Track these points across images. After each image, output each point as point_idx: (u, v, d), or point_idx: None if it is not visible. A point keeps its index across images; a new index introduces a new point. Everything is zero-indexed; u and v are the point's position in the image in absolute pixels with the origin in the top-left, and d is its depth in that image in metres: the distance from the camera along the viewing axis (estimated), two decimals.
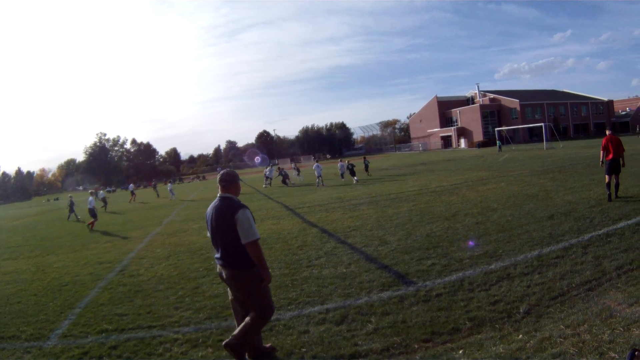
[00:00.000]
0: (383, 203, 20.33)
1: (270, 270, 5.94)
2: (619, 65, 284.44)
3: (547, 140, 61.61)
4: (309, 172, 55.34)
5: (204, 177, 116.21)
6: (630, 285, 6.79)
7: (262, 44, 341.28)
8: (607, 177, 14.76)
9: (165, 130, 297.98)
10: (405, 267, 9.41)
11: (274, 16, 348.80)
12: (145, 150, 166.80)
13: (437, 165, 46.85)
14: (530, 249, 9.68)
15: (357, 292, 8.22)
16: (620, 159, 14.72)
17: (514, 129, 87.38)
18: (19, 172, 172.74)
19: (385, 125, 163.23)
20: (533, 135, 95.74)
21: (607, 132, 15.39)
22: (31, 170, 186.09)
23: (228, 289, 6.18)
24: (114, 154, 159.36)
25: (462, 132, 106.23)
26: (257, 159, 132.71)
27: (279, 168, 47.26)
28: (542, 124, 67.20)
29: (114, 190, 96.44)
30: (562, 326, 5.63)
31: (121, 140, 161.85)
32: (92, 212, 25.82)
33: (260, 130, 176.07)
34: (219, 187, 6.00)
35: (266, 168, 49.45)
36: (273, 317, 6.47)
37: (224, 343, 5.77)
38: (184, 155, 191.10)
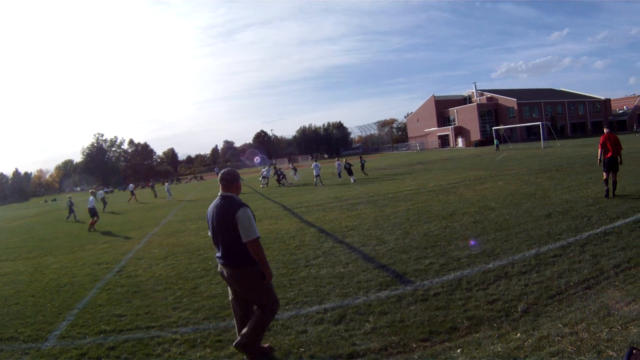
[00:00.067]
0: (381, 202, 20.35)
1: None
2: (616, 64, 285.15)
3: (544, 139, 61.58)
4: (307, 171, 55.42)
5: (201, 178, 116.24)
6: (628, 284, 6.80)
7: (259, 44, 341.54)
8: (605, 174, 14.81)
9: (162, 131, 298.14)
10: (403, 267, 9.42)
11: (271, 16, 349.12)
12: (143, 151, 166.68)
13: (434, 164, 46.87)
14: (528, 247, 9.69)
15: (355, 291, 8.22)
16: (618, 156, 14.76)
17: (511, 128, 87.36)
18: (16, 173, 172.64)
19: (383, 124, 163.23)
20: (530, 134, 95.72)
21: (605, 131, 15.43)
22: (29, 171, 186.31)
23: (228, 288, 6.20)
24: (111, 154, 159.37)
25: (460, 131, 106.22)
26: (257, 159, 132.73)
27: (274, 168, 47.23)
28: (540, 122, 67.01)
29: (111, 191, 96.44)
30: (560, 325, 5.63)
31: (118, 141, 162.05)
32: (93, 212, 25.89)
33: (258, 130, 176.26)
34: (220, 186, 6.02)
35: (263, 168, 49.46)
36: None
37: (234, 343, 5.87)
38: (181, 156, 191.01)
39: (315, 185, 36.81)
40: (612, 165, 14.65)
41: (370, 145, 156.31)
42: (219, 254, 5.95)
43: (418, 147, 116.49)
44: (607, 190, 14.51)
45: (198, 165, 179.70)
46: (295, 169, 50.47)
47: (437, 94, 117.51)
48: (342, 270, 9.74)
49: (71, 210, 33.48)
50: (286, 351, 6.12)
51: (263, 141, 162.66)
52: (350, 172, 36.92)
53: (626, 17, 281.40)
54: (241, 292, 5.94)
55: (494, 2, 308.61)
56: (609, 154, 14.75)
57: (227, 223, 5.70)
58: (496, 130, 74.91)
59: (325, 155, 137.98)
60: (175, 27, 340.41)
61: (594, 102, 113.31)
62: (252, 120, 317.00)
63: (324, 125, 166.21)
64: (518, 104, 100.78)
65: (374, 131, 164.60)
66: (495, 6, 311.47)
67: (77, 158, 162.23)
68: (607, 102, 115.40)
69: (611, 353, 4.64)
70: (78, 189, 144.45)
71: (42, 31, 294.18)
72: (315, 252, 11.85)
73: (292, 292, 8.53)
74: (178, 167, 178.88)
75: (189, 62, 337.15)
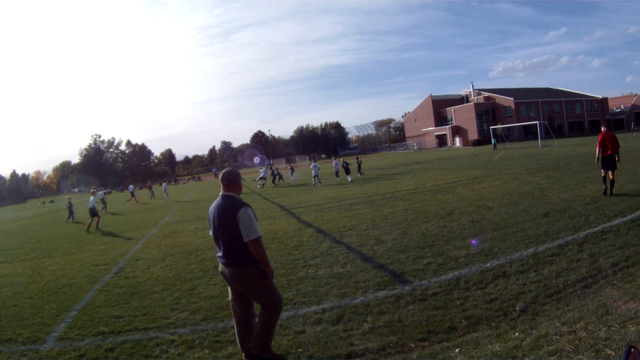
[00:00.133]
0: (378, 202, 20.36)
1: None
2: (613, 63, 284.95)
3: (541, 138, 61.64)
4: (304, 172, 55.46)
5: (199, 178, 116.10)
6: (626, 282, 6.81)
7: (256, 44, 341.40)
8: (603, 171, 14.85)
9: (160, 132, 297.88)
10: (401, 266, 9.42)
11: (268, 16, 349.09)
12: (140, 152, 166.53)
13: (432, 164, 46.88)
14: (525, 247, 9.71)
15: (353, 291, 8.22)
16: (616, 154, 14.80)
17: (508, 127, 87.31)
18: (14, 174, 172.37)
19: (380, 124, 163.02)
20: (528, 133, 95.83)
21: (603, 129, 15.48)
22: (26, 173, 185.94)
23: (228, 288, 6.18)
24: (108, 155, 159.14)
25: (457, 131, 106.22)
26: (256, 159, 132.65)
27: (270, 168, 47.26)
28: (537, 122, 67.06)
29: (109, 192, 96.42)
30: (558, 324, 5.64)
31: (116, 142, 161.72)
32: (93, 211, 25.88)
33: (255, 130, 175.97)
34: (221, 185, 6.03)
35: (261, 169, 49.43)
36: None
37: (244, 355, 5.92)
38: (179, 156, 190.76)
39: (314, 185, 36.93)
40: (610, 163, 14.70)
41: (368, 145, 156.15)
42: (220, 254, 5.95)
43: (415, 147, 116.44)
44: (606, 189, 14.56)
45: (196, 165, 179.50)
46: (292, 169, 50.55)
47: (434, 94, 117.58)
48: (340, 270, 9.75)
49: (71, 211, 33.53)
50: (284, 351, 6.12)
51: (261, 141, 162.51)
52: (347, 172, 37.26)
53: (623, 16, 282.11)
54: (243, 291, 5.94)
55: (491, 1, 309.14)
56: (608, 152, 14.80)
57: (229, 223, 5.71)
58: (493, 130, 74.96)
59: (323, 156, 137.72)
60: (172, 27, 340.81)
61: (591, 101, 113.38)
62: (249, 120, 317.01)
63: (321, 125, 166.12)
64: (515, 103, 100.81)
65: (372, 131, 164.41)
66: (492, 5, 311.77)
67: (75, 159, 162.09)
68: (604, 101, 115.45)
69: (609, 352, 4.65)
70: (76, 190, 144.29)
71: (40, 32, 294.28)
72: (313, 252, 11.86)
73: (290, 293, 8.53)
74: (176, 167, 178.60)
75: (186, 62, 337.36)
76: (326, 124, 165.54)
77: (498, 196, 17.38)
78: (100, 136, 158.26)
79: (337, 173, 39.47)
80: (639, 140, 48.05)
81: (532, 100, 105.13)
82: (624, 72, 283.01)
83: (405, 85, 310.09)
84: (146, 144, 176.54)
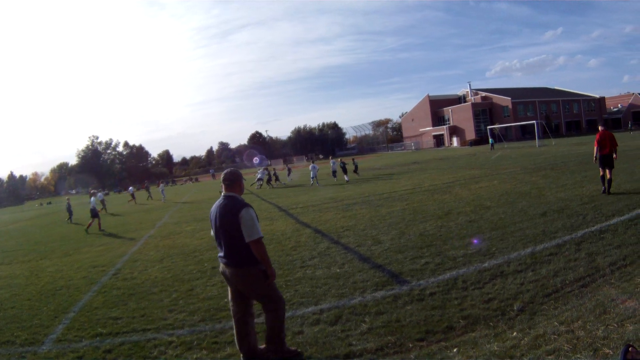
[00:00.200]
0: (376, 202, 20.37)
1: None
2: (610, 62, 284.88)
3: (539, 138, 61.60)
4: (302, 172, 55.45)
5: (196, 179, 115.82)
6: (624, 281, 6.82)
7: (254, 44, 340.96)
8: (601, 170, 14.89)
9: (157, 133, 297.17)
10: (398, 267, 9.43)
11: (265, 16, 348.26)
12: (138, 153, 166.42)
13: (429, 164, 46.88)
14: (523, 246, 9.72)
15: (350, 292, 8.23)
16: (613, 153, 14.85)
17: (506, 127, 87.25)
18: (11, 176, 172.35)
19: (378, 124, 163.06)
20: (525, 133, 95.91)
21: (600, 128, 15.53)
22: (24, 175, 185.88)
23: (228, 288, 6.19)
24: (106, 157, 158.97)
25: (454, 131, 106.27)
26: (256, 160, 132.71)
27: (266, 169, 47.32)
28: (534, 121, 67.12)
29: (107, 194, 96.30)
30: (556, 323, 5.64)
31: (113, 143, 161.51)
32: (94, 212, 25.94)
33: (253, 131, 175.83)
34: (223, 186, 6.06)
35: (258, 170, 49.42)
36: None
37: (243, 356, 6.01)
38: (176, 157, 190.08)
39: (312, 185, 37.13)
40: (607, 161, 14.74)
41: (366, 145, 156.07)
42: (221, 254, 5.97)
43: (413, 147, 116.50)
44: (605, 188, 14.59)
45: (193, 166, 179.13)
46: (289, 170, 50.64)
47: (431, 94, 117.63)
48: (338, 270, 9.75)
49: (70, 212, 33.61)
50: (264, 353, 6.11)
51: (258, 142, 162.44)
52: (345, 171, 37.50)
53: (620, 15, 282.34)
54: (244, 291, 5.95)
55: (489, 1, 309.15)
56: (606, 151, 14.85)
57: (230, 223, 5.73)
58: (491, 129, 74.85)
59: (321, 156, 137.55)
60: (169, 28, 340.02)
61: (588, 100, 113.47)
62: (247, 121, 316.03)
63: (318, 125, 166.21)
64: (513, 103, 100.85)
65: (369, 131, 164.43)
66: (489, 5, 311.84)
67: (72, 161, 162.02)
68: (601, 100, 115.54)
69: (607, 351, 4.65)
70: (73, 191, 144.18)
71: (37, 34, 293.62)
72: (311, 252, 11.86)
73: (288, 293, 8.52)
74: (173, 168, 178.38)
75: (183, 63, 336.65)
76: (323, 124, 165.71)
77: (495, 196, 17.39)
78: (97, 137, 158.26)
79: (334, 173, 39.55)
80: (636, 139, 48.12)
81: (529, 99, 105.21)
82: (621, 71, 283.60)
83: (402, 86, 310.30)
84: (144, 145, 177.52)
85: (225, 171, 6.20)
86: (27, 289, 11.97)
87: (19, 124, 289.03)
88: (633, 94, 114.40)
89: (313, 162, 41.11)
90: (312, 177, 38.04)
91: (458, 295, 7.32)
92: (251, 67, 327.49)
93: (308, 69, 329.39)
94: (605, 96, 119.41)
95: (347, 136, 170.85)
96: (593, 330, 5.19)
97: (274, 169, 49.38)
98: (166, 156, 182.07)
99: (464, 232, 11.84)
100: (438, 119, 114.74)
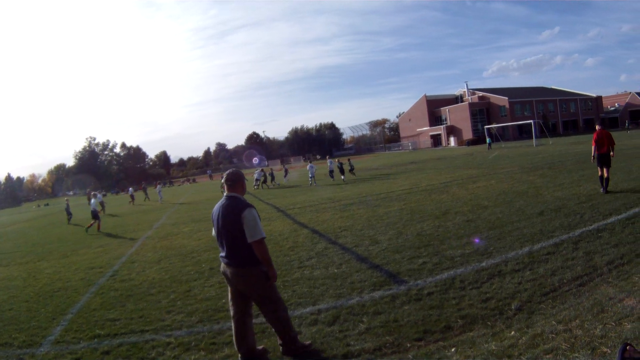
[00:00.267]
0: (373, 203, 20.37)
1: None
2: (607, 61, 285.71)
3: (536, 137, 61.64)
4: (300, 172, 55.46)
5: (194, 180, 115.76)
6: (622, 280, 6.83)
7: (251, 45, 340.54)
8: (599, 170, 14.94)
9: (154, 134, 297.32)
10: (396, 266, 9.43)
11: (262, 17, 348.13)
12: (135, 154, 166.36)
13: (427, 164, 46.86)
14: (521, 245, 9.72)
15: (348, 292, 8.23)
16: (611, 151, 14.90)
17: (503, 127, 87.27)
18: (8, 178, 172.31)
19: (375, 124, 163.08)
20: (522, 133, 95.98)
21: (597, 127, 15.57)
22: (21, 176, 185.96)
23: (228, 288, 6.20)
24: (103, 158, 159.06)
25: (452, 131, 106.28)
26: (256, 160, 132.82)
27: (262, 170, 47.36)
28: (531, 121, 67.01)
29: (104, 195, 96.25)
30: (554, 322, 5.65)
31: (111, 144, 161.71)
32: (94, 214, 26.00)
33: (250, 131, 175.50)
34: (225, 186, 6.08)
35: (256, 171, 49.47)
36: (264, 319, 6.46)
37: (241, 356, 6.06)
38: (173, 158, 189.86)
39: (310, 185, 37.30)
40: (605, 160, 14.77)
41: (363, 145, 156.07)
42: (223, 254, 5.99)
43: (410, 147, 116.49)
44: (603, 188, 14.64)
45: (191, 167, 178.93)
46: (286, 171, 50.73)
47: (428, 94, 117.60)
48: (336, 271, 9.75)
49: (69, 213, 33.67)
50: (281, 353, 6.12)
51: (255, 143, 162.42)
52: (342, 172, 37.73)
53: (617, 15, 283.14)
54: (244, 291, 5.96)
55: (486, 1, 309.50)
56: (604, 150, 14.89)
57: (233, 223, 5.75)
58: (488, 129, 74.91)
59: (318, 157, 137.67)
60: (166, 29, 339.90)
61: (585, 99, 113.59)
62: (244, 121, 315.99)
63: (316, 126, 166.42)
64: (510, 103, 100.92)
65: (366, 131, 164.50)
66: (486, 5, 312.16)
67: (70, 162, 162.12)
68: (598, 99, 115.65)
69: (605, 349, 4.65)
70: (71, 193, 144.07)
71: (34, 35, 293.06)
72: (309, 253, 11.86)
73: (286, 294, 8.51)
74: (170, 169, 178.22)
75: (180, 64, 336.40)
76: (321, 124, 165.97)
77: (493, 195, 17.40)
78: (95, 139, 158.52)
79: (331, 173, 39.63)
80: (633, 138, 48.20)
81: (526, 99, 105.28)
82: (618, 70, 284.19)
83: (399, 86, 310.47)
84: (141, 146, 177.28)
85: (227, 172, 6.23)
86: (24, 291, 11.96)
87: (16, 126, 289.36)
88: (630, 93, 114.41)
89: (310, 162, 41.25)
90: (311, 177, 38.26)
91: (456, 294, 7.33)
92: (248, 67, 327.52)
93: (305, 69, 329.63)
94: (603, 95, 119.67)
95: (344, 136, 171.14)
96: (591, 329, 5.20)
97: (271, 169, 49.50)
98: (163, 157, 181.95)
99: (461, 232, 11.85)
100: (435, 119, 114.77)
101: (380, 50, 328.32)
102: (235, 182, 6.07)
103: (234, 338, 6.05)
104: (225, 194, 6.08)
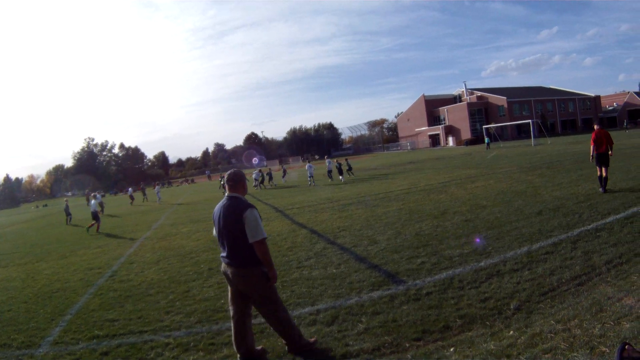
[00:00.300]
0: (372, 203, 20.36)
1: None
2: (605, 61, 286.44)
3: (534, 137, 61.77)
4: (299, 172, 55.47)
5: (192, 181, 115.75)
6: (620, 279, 6.83)
7: (249, 45, 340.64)
8: (598, 169, 14.96)
9: (153, 134, 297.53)
10: (395, 266, 9.43)
11: (260, 17, 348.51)
12: (134, 155, 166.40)
13: (425, 163, 46.86)
14: (519, 245, 9.73)
15: (347, 292, 8.23)
16: (609, 150, 14.93)
17: (501, 126, 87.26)
18: (7, 179, 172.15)
19: (373, 124, 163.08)
20: (521, 132, 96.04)
21: (596, 127, 15.60)
22: (19, 177, 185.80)
23: (228, 288, 6.20)
24: (102, 159, 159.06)
25: (450, 130, 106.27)
26: (255, 160, 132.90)
27: (260, 170, 47.37)
28: (530, 120, 67.19)
29: (103, 195, 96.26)
30: (552, 321, 5.64)
31: (109, 145, 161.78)
32: (95, 215, 26.06)
33: (249, 132, 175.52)
34: (227, 186, 6.10)
35: (254, 171, 49.49)
36: (263, 320, 6.47)
37: (239, 357, 6.06)
38: (172, 159, 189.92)
39: (309, 185, 37.35)
40: (604, 160, 14.80)
41: (361, 145, 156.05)
42: (224, 254, 5.99)
43: (409, 147, 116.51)
44: (602, 187, 14.66)
45: (189, 168, 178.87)
46: (285, 171, 50.80)
47: (427, 94, 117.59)
48: (334, 271, 9.75)
49: (68, 214, 33.70)
50: (280, 353, 6.12)
51: (254, 143, 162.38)
52: (340, 172, 37.82)
53: (615, 14, 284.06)
54: (245, 292, 5.96)
55: (484, 1, 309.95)
56: (603, 149, 14.93)
57: (234, 223, 5.76)
58: (486, 129, 74.95)
59: (316, 157, 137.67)
60: (164, 30, 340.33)
61: (583, 99, 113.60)
62: (242, 122, 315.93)
63: (314, 126, 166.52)
64: (508, 102, 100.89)
65: (365, 131, 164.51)
66: (484, 5, 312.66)
67: (68, 163, 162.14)
68: (597, 99, 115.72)
69: (604, 349, 4.65)
70: (69, 194, 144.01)
71: (32, 36, 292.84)
72: (307, 253, 11.86)
73: (285, 294, 8.50)
74: (169, 170, 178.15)
75: (179, 64, 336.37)
76: (319, 125, 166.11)
77: (491, 195, 17.40)
78: (93, 139, 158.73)
79: (329, 173, 39.71)
80: (632, 137, 48.21)
81: (524, 99, 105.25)
82: (616, 70, 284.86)
83: (398, 86, 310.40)
84: (139, 146, 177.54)
85: (229, 172, 6.24)
86: (23, 292, 11.95)
87: (15, 127, 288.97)
88: (628, 92, 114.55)
89: (309, 162, 41.40)
90: (310, 177, 38.40)
91: (454, 294, 7.33)
92: (247, 68, 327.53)
93: (304, 70, 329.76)
94: (601, 95, 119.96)
95: (342, 136, 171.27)
96: (589, 329, 5.19)
97: (269, 169, 49.56)
98: (162, 157, 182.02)
99: (460, 232, 11.84)
100: (434, 119, 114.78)
101: (379, 50, 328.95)
102: (237, 183, 6.09)
103: (233, 338, 6.05)
104: (226, 194, 6.10)
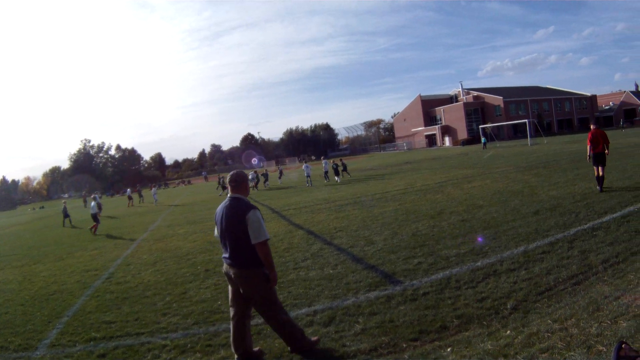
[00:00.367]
0: (368, 203, 20.37)
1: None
2: (602, 60, 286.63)
3: (531, 137, 61.74)
4: (298, 173, 55.52)
5: (189, 182, 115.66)
6: (617, 278, 6.84)
7: (245, 46, 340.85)
8: (595, 169, 14.99)
9: (149, 136, 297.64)
10: (391, 267, 9.43)
11: (256, 18, 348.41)
12: (130, 156, 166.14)
13: (422, 164, 46.89)
14: (516, 245, 9.74)
15: (344, 293, 8.23)
16: (606, 150, 14.97)
17: (498, 126, 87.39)
18: (3, 180, 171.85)
19: (370, 125, 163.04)
20: (517, 132, 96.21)
21: (592, 127, 15.64)
22: (16, 179, 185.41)
23: (229, 288, 6.20)
24: (98, 160, 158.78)
25: (446, 130, 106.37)
26: (255, 160, 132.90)
27: (255, 172, 47.37)
28: (526, 120, 67.37)
29: (100, 197, 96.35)
30: (549, 321, 5.64)
31: (106, 147, 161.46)
32: (95, 217, 26.11)
33: (245, 132, 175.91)
34: (229, 187, 6.11)
35: (250, 172, 49.54)
36: (260, 321, 6.47)
37: (237, 358, 6.06)
38: (168, 160, 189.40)
39: (307, 185, 37.58)
40: (600, 159, 14.84)
41: (358, 146, 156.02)
42: (226, 255, 6.01)
43: (405, 147, 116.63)
44: (600, 187, 14.70)
45: (186, 169, 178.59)
46: (281, 172, 50.84)
47: (423, 94, 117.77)
48: (331, 271, 9.75)
49: (66, 216, 33.67)
50: (277, 354, 6.12)
51: (250, 144, 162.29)
52: (337, 173, 37.90)
53: (611, 14, 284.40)
54: (245, 292, 5.96)
55: (480, 1, 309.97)
56: (599, 149, 14.97)
57: (237, 224, 5.78)
58: (483, 129, 75.00)
59: (313, 157, 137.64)
60: (160, 31, 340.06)
61: (580, 98, 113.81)
62: (239, 123, 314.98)
63: (311, 126, 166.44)
64: (504, 102, 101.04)
65: (361, 132, 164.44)
66: (480, 5, 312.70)
67: (65, 164, 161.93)
68: (593, 98, 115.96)
69: (601, 348, 4.65)
70: (66, 195, 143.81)
71: (27, 37, 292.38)
72: (304, 254, 11.86)
73: (281, 295, 8.48)
74: (166, 171, 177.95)
75: (175, 66, 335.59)
76: (315, 125, 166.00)
77: (488, 195, 17.42)
78: (89, 141, 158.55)
79: (326, 174, 39.78)
80: (628, 137, 48.29)
81: (521, 98, 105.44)
82: (612, 69, 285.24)
83: (394, 86, 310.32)
84: (136, 148, 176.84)
85: (231, 173, 6.26)
86: (20, 294, 11.93)
87: (11, 129, 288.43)
88: (625, 91, 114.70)
89: (306, 163, 41.53)
90: (307, 176, 38.60)
91: (451, 294, 7.33)
92: (243, 68, 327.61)
93: (300, 70, 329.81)
94: (597, 94, 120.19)
95: (339, 137, 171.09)
96: (586, 328, 5.19)
97: (265, 170, 49.60)
98: (158, 159, 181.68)
99: (456, 232, 11.85)
100: (430, 119, 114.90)
101: (375, 51, 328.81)
102: (240, 184, 6.12)
103: (231, 339, 6.05)
104: (228, 195, 6.11)
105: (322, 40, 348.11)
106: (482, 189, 19.43)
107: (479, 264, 8.75)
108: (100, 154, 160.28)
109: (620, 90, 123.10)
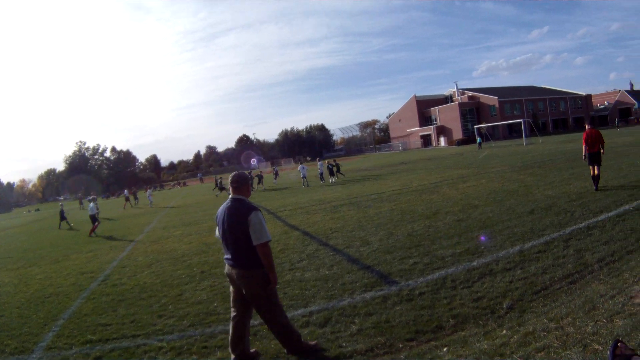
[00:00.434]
0: (364, 204, 20.38)
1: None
2: (596, 60, 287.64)
3: (526, 136, 61.90)
4: (296, 173, 55.51)
5: (184, 183, 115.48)
6: (613, 277, 6.85)
7: (240, 47, 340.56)
8: (591, 168, 15.04)
9: (144, 137, 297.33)
10: (387, 267, 9.44)
11: (251, 19, 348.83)
12: (125, 158, 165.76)
13: (417, 164, 46.92)
14: (511, 244, 9.75)
15: (340, 293, 8.23)
16: (601, 149, 15.00)
17: (493, 126, 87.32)
18: None
19: (365, 125, 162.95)
20: (512, 132, 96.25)
21: (587, 127, 15.65)
22: (11, 182, 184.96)
23: (231, 288, 6.20)
24: (93, 162, 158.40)
25: (442, 131, 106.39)
26: (254, 161, 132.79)
27: (250, 173, 47.42)
28: (521, 120, 67.35)
29: (95, 199, 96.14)
30: (545, 320, 5.65)
31: (101, 149, 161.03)
32: (94, 219, 26.25)
33: (240, 134, 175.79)
34: (231, 188, 6.12)
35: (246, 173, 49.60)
36: (257, 322, 6.47)
37: (234, 358, 6.05)
38: (164, 162, 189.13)
39: (303, 185, 37.77)
40: (596, 159, 14.87)
41: (353, 146, 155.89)
42: (228, 256, 6.01)
43: (401, 148, 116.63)
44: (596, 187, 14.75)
45: (181, 171, 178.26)
46: (276, 173, 50.92)
47: (418, 94, 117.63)
48: (327, 272, 9.75)
49: (63, 218, 33.59)
50: (273, 355, 6.13)
51: (246, 145, 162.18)
52: (332, 173, 38.12)
53: (605, 13, 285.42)
54: (246, 293, 5.95)
55: (474, 1, 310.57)
56: (595, 149, 15.01)
57: (238, 225, 5.78)
58: (478, 129, 75.08)
59: (308, 158, 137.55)
60: (155, 33, 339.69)
61: (575, 98, 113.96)
62: (234, 124, 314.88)
63: (306, 127, 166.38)
64: (499, 102, 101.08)
65: (356, 132, 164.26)
66: (475, 5, 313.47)
67: (60, 167, 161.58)
68: (588, 97, 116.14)
69: (597, 346, 4.66)
70: (61, 197, 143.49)
71: (23, 39, 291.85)
72: (300, 255, 11.86)
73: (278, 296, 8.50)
74: (161, 173, 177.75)
75: (170, 67, 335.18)
76: (311, 126, 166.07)
77: (483, 195, 17.44)
78: (84, 143, 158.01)
79: (321, 175, 39.82)
80: (623, 136, 48.35)
81: (516, 98, 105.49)
82: (607, 69, 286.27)
83: (389, 86, 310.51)
84: (131, 150, 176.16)
85: (233, 174, 6.26)
86: (16, 297, 11.89)
87: (6, 131, 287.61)
88: (619, 91, 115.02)
89: (302, 164, 41.63)
90: (303, 177, 38.71)
91: (447, 294, 7.34)
92: (238, 70, 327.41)
93: (295, 71, 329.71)
94: (592, 94, 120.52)
95: (334, 138, 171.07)
96: (582, 327, 5.20)
97: (260, 171, 49.63)
98: (154, 161, 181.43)
99: (452, 232, 11.86)
100: (425, 119, 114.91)
101: (370, 52, 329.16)
102: (241, 185, 6.13)
103: (230, 340, 6.04)
104: (230, 196, 6.12)
105: (317, 42, 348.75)
106: (478, 189, 19.45)
107: (474, 263, 8.76)
108: (96, 156, 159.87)
109: (615, 89, 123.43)
